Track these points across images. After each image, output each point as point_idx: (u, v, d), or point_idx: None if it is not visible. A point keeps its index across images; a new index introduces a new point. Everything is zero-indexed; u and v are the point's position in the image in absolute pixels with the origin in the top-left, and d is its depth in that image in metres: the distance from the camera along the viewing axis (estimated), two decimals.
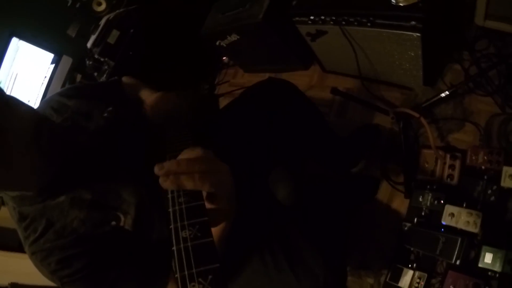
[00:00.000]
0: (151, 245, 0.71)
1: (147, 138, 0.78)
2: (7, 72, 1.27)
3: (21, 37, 1.28)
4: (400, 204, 1.21)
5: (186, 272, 0.37)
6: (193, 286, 0.36)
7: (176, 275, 0.38)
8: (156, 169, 0.48)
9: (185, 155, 0.53)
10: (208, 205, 0.50)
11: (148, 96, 0.88)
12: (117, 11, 1.35)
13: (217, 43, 1.54)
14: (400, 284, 1.06)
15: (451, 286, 0.97)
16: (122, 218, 0.69)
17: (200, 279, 0.36)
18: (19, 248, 1.34)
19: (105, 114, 0.77)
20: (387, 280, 1.09)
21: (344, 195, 1.30)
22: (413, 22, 1.01)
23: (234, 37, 1.46)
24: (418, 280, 1.03)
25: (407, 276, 1.05)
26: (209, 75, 1.78)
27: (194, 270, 0.37)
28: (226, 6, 1.45)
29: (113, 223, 0.68)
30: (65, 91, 0.85)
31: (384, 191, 1.26)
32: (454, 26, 1.19)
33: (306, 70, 1.59)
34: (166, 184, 0.47)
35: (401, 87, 1.31)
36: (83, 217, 0.66)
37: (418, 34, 1.03)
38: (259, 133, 0.96)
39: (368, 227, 1.25)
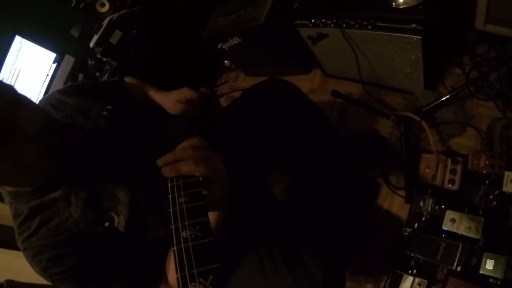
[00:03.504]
0: (145, 246, 0.71)
1: (146, 137, 0.78)
2: (10, 69, 1.29)
3: (24, 36, 1.30)
4: (401, 209, 1.19)
5: (187, 272, 0.37)
6: (194, 286, 0.36)
7: (176, 275, 0.38)
8: (158, 162, 0.54)
9: (181, 145, 0.56)
10: (204, 190, 0.51)
11: (165, 94, 0.90)
12: (120, 12, 1.37)
13: (219, 46, 1.55)
14: None
15: None
16: (116, 219, 0.68)
17: (201, 279, 0.37)
18: (16, 246, 1.33)
19: (104, 113, 0.77)
20: (387, 286, 1.06)
21: (344, 197, 1.29)
22: (413, 25, 1.01)
23: (235, 40, 1.47)
24: (418, 287, 1.01)
25: (407, 282, 1.03)
26: (210, 78, 1.78)
27: (194, 270, 0.38)
28: (227, 9, 1.46)
29: (107, 224, 0.67)
30: (65, 88, 0.85)
31: (384, 196, 1.24)
32: (454, 29, 1.19)
33: (308, 74, 1.59)
34: (166, 172, 0.52)
35: (402, 92, 1.31)
36: (77, 216, 0.66)
37: (419, 37, 1.02)
38: (259, 133, 0.95)
39: (368, 232, 1.22)
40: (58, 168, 0.67)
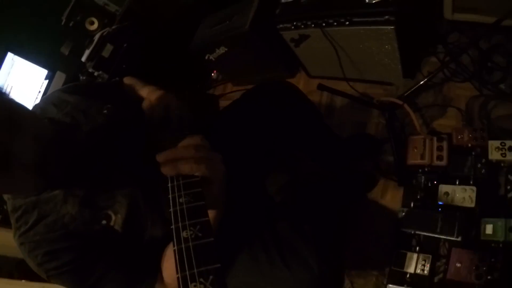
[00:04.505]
0: (142, 246, 0.70)
1: (147, 138, 0.76)
2: (2, 86, 1.29)
3: (16, 52, 1.33)
4: (395, 193, 1.21)
5: (187, 272, 0.37)
6: (194, 286, 0.36)
7: (177, 275, 0.38)
8: (157, 157, 0.53)
9: (184, 142, 0.57)
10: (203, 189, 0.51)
11: (151, 91, 0.86)
12: (112, 27, 1.43)
13: (206, 57, 1.61)
14: (405, 269, 1.03)
15: (457, 264, 0.95)
16: (113, 218, 0.68)
17: (201, 279, 0.37)
18: (19, 276, 1.26)
19: (104, 111, 0.77)
20: (392, 267, 1.05)
21: (338, 190, 1.30)
22: (386, 17, 1.10)
23: (222, 50, 1.54)
24: (423, 263, 1.01)
25: (412, 260, 1.03)
26: (200, 89, 1.83)
27: (195, 270, 0.38)
28: (213, 21, 1.54)
29: (104, 222, 0.67)
30: (67, 87, 0.85)
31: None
32: (425, 20, 1.29)
33: (293, 77, 1.66)
34: (166, 170, 0.52)
35: (383, 83, 1.38)
36: (75, 213, 0.65)
37: (392, 27, 1.11)
38: (257, 133, 0.96)
39: (366, 221, 1.23)
40: (53, 178, 0.66)
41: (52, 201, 0.66)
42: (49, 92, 1.40)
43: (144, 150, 0.71)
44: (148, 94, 0.86)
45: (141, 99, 0.89)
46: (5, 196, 0.70)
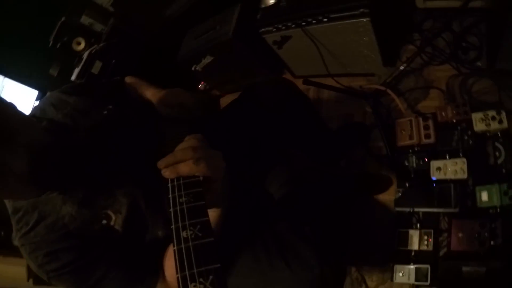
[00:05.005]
0: (143, 245, 0.70)
1: (148, 138, 0.78)
2: None
3: (6, 74, 1.34)
4: None
5: (187, 272, 0.38)
6: (194, 286, 0.36)
7: (177, 275, 0.38)
8: (158, 164, 0.54)
9: (182, 144, 0.57)
10: (204, 188, 0.52)
11: (156, 92, 0.89)
12: (100, 44, 1.47)
13: (193, 68, 1.65)
14: (409, 247, 1.03)
15: (459, 234, 0.96)
16: (113, 217, 0.68)
17: (201, 279, 0.37)
18: None
19: (105, 112, 0.77)
20: (397, 247, 1.06)
21: (335, 188, 1.31)
22: (361, 9, 1.16)
23: (208, 59, 1.58)
24: (425, 237, 1.02)
25: (414, 237, 1.04)
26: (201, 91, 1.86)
27: (195, 270, 0.38)
28: (198, 32, 1.60)
29: (104, 221, 0.67)
30: (66, 88, 0.85)
31: None
32: (400, 10, 1.36)
33: None
34: (166, 174, 0.53)
35: (366, 75, 1.43)
36: (75, 213, 0.65)
37: (368, 19, 1.17)
38: (257, 131, 0.97)
39: (366, 209, 1.24)
40: (48, 182, 0.66)
41: (52, 202, 0.65)
42: None
43: (147, 150, 0.71)
44: (154, 93, 0.88)
45: (144, 99, 0.91)
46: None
